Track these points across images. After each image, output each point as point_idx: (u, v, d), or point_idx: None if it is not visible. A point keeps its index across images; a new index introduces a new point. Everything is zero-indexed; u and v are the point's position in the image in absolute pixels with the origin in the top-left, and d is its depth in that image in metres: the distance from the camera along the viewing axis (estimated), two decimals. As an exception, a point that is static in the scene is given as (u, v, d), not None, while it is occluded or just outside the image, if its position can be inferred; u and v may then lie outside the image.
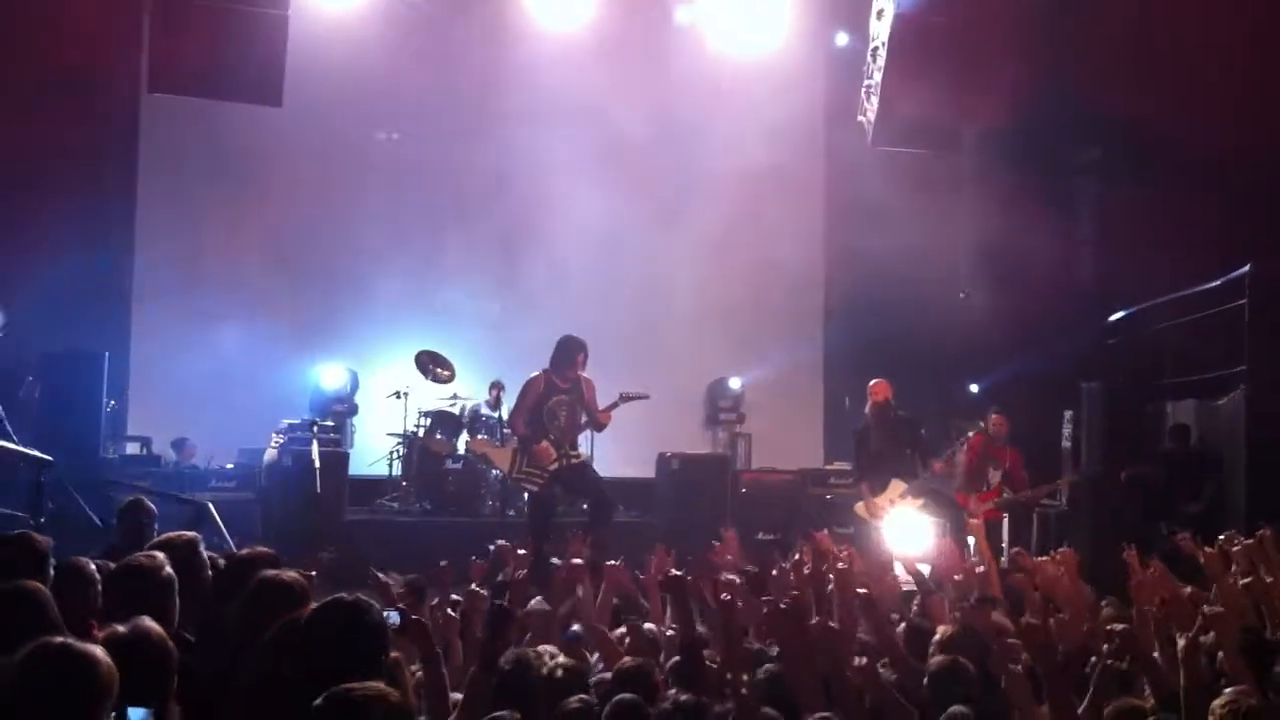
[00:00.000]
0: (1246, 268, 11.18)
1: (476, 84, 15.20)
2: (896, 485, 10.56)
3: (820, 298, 16.27)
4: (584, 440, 11.27)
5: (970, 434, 11.74)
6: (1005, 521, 11.68)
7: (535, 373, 10.17)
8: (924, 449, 10.97)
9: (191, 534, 5.15)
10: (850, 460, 12.40)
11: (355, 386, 14.32)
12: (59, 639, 3.12)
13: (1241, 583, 6.04)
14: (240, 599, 4.15)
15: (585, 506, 10.56)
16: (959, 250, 13.44)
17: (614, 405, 10.06)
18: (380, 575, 5.71)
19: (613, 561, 6.76)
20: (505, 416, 12.62)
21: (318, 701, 2.80)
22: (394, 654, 3.84)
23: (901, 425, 10.90)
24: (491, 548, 7.10)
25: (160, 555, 4.37)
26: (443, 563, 6.28)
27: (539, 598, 6.26)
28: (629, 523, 12.25)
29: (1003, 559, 10.22)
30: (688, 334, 15.16)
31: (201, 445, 13.10)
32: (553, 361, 10.11)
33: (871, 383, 11.12)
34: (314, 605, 3.59)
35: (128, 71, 13.51)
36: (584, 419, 10.13)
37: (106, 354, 11.50)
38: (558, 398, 10.01)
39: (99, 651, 3.11)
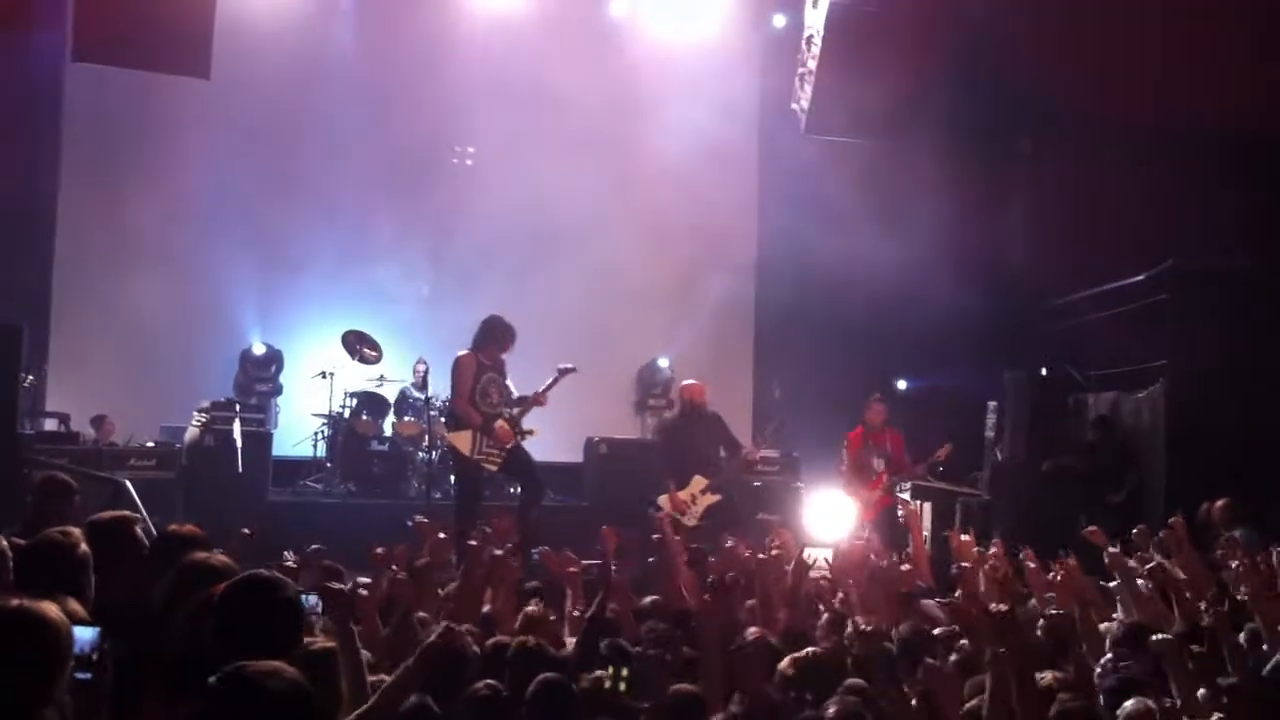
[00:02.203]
0: (1168, 262, 11.38)
1: (412, 60, 15.04)
2: (699, 481, 10.63)
3: (752, 284, 16.30)
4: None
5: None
6: (921, 509, 11.79)
7: (463, 352, 10.14)
8: (730, 441, 11.05)
9: (125, 512, 5.06)
10: (776, 449, 12.61)
11: (280, 365, 14.14)
12: (14, 600, 3.09)
13: (1143, 584, 6.14)
14: (167, 580, 4.07)
15: (517, 489, 10.54)
16: (892, 239, 13.49)
17: (554, 382, 10.14)
18: (288, 556, 5.64)
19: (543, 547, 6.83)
20: (430, 396, 12.59)
21: (211, 679, 2.76)
22: (329, 644, 3.77)
23: (709, 423, 11.00)
24: (410, 523, 7.05)
25: (76, 531, 4.27)
26: (378, 549, 6.23)
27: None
28: (555, 507, 12.24)
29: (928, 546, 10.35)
30: (620, 318, 15.13)
31: (122, 423, 12.86)
32: (477, 341, 10.12)
33: (689, 382, 11.27)
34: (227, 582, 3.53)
35: (51, 40, 13.18)
36: (518, 402, 10.19)
37: (25, 327, 11.24)
38: (488, 375, 10.04)
39: (54, 610, 3.10)
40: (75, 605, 3.64)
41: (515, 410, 10.16)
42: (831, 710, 4.19)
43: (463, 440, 10.15)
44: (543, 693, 4.26)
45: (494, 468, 10.16)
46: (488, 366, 10.08)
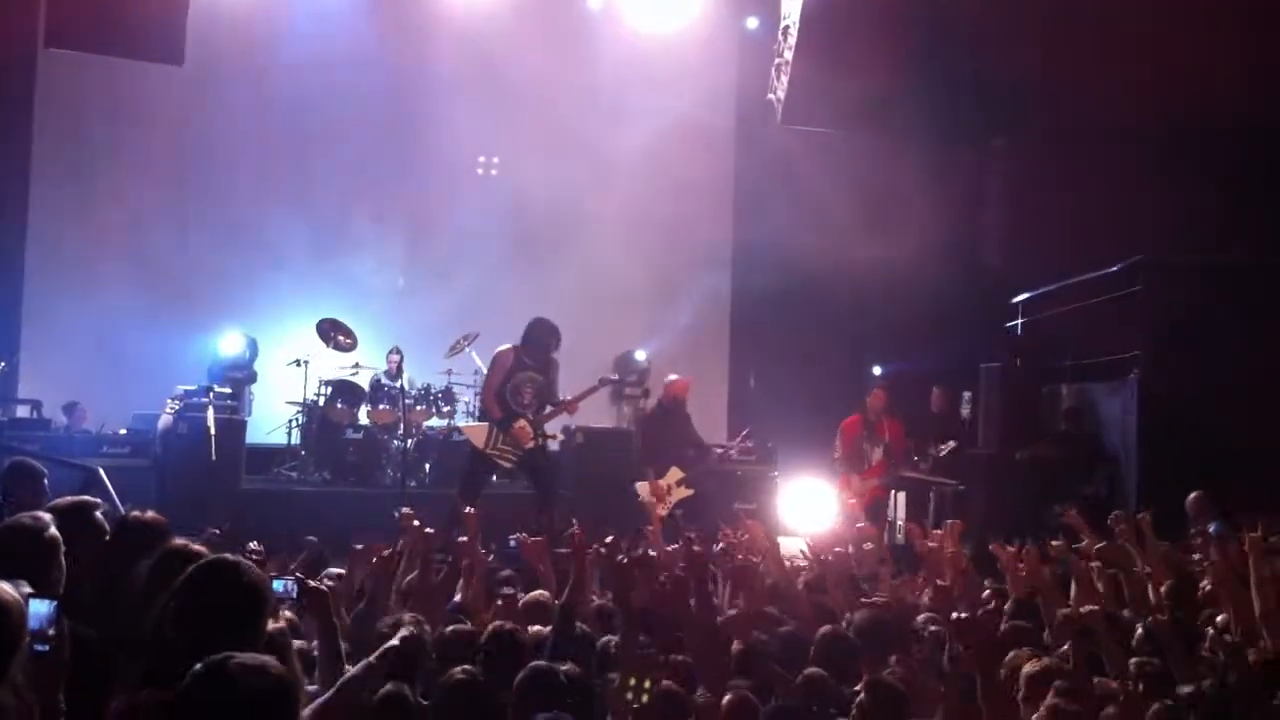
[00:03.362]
0: (1141, 254, 11.43)
1: (388, 51, 14.97)
2: (675, 473, 10.94)
3: (729, 275, 16.30)
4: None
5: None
6: (894, 498, 11.88)
7: (504, 346, 10.18)
8: (698, 441, 11.73)
9: (84, 497, 5.03)
10: (747, 439, 12.71)
11: (254, 353, 14.07)
12: None
13: (1093, 564, 6.19)
14: (148, 569, 4.05)
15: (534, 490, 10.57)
16: (869, 230, 13.50)
17: (590, 390, 10.31)
18: (252, 548, 5.64)
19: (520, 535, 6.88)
20: (405, 385, 12.56)
21: (193, 670, 2.64)
22: (280, 623, 3.77)
23: (684, 421, 11.51)
24: (396, 514, 7.06)
25: (46, 516, 4.24)
26: (358, 546, 6.23)
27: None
28: (532, 495, 12.21)
29: (899, 534, 10.41)
30: (596, 309, 15.04)
31: (95, 410, 12.80)
32: (525, 339, 10.20)
33: (674, 377, 11.72)
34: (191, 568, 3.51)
35: (24, 26, 13.07)
36: (548, 403, 10.25)
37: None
38: (525, 374, 10.04)
39: (7, 592, 3.05)
40: (25, 587, 3.61)
41: (544, 412, 10.19)
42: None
43: (478, 433, 10.19)
44: (531, 680, 4.27)
45: (507, 465, 10.23)
46: (527, 365, 10.12)
